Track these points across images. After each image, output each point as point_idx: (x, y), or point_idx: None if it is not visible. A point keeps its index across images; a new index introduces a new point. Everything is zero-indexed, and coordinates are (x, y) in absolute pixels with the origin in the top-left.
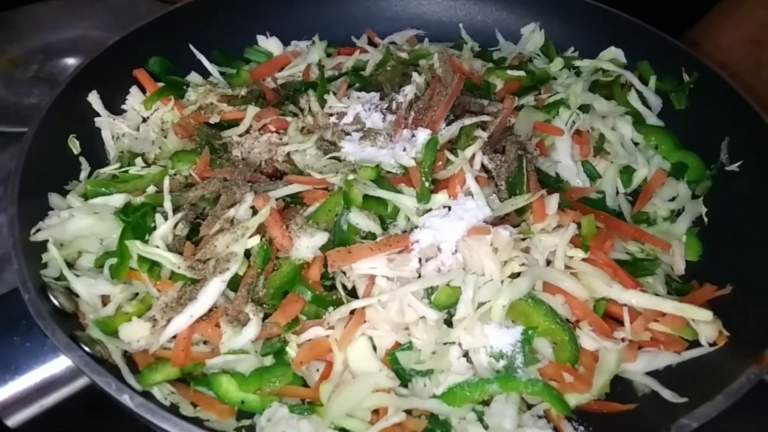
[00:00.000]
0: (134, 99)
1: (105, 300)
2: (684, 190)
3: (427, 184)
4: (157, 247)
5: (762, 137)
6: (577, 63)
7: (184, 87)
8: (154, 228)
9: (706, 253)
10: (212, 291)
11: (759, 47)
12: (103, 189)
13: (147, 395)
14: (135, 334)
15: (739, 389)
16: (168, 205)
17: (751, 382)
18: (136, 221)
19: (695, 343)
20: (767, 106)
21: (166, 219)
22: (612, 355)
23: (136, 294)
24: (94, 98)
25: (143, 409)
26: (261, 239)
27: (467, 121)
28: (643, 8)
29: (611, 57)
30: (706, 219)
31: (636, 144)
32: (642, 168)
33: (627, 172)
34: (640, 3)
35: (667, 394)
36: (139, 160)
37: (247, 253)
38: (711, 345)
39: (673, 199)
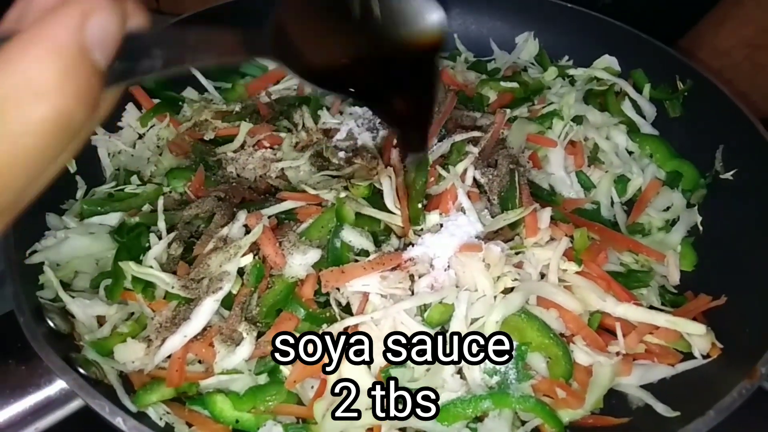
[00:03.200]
0: (130, 116)
1: (101, 320)
2: (679, 199)
3: (419, 205)
4: (151, 267)
5: (756, 145)
6: (572, 72)
7: (180, 103)
8: (149, 248)
9: (701, 263)
10: (206, 310)
11: (756, 51)
12: (99, 208)
13: (142, 416)
14: (130, 354)
15: (731, 404)
16: (162, 225)
17: (743, 397)
18: (131, 241)
19: (689, 355)
20: (764, 110)
21: (160, 238)
22: (606, 369)
23: (132, 314)
24: None
25: (136, 431)
26: (254, 257)
27: (458, 137)
28: (637, 16)
29: (605, 65)
30: (701, 228)
31: (630, 153)
32: (637, 177)
33: (621, 181)
34: (635, 10)
35: (661, 408)
36: (134, 178)
37: (241, 272)
38: (704, 357)
39: (668, 208)
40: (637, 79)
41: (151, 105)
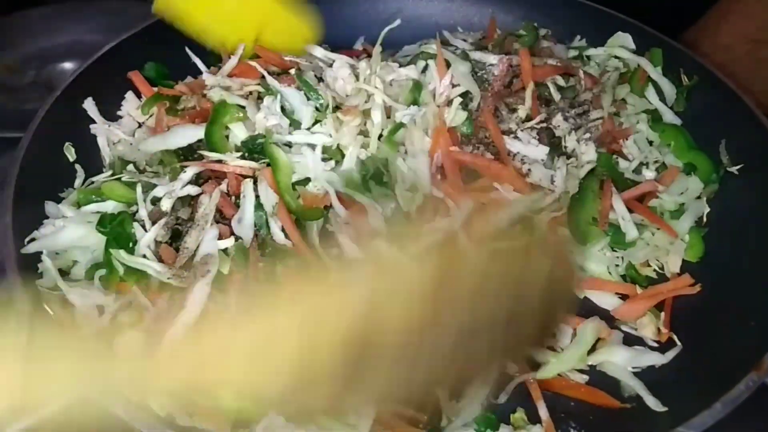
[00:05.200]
0: (130, 104)
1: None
2: (695, 183)
3: None
4: (144, 256)
5: (760, 139)
6: (591, 52)
7: None
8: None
9: (706, 254)
10: (199, 296)
11: (758, 46)
12: (94, 197)
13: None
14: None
15: (738, 396)
16: (143, 213)
17: (750, 389)
18: (114, 230)
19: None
20: (766, 105)
21: (143, 227)
22: (589, 326)
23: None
24: (89, 105)
25: (137, 421)
26: (236, 240)
27: None
28: (638, 8)
29: (620, 43)
30: (705, 219)
31: (651, 143)
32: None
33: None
34: (636, 3)
35: (651, 402)
36: (131, 167)
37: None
38: (657, 342)
39: (682, 193)
40: (654, 57)
41: (151, 93)
